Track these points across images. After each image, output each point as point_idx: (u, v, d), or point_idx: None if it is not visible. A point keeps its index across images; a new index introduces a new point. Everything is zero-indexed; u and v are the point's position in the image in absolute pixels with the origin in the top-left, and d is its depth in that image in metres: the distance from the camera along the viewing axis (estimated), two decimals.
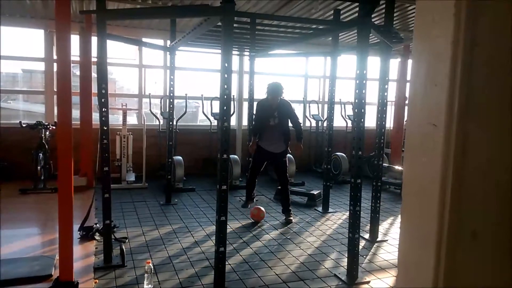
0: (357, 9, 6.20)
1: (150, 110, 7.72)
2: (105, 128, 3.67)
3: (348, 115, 8.92)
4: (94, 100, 6.67)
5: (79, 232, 4.42)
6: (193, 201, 6.15)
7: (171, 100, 5.82)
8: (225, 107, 3.08)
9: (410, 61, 8.60)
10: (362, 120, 3.49)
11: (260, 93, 7.46)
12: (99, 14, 3.44)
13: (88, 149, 6.72)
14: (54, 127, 6.61)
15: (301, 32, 4.66)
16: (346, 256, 4.07)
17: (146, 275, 3.33)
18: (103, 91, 3.60)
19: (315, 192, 6.21)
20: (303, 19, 4.57)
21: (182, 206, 5.82)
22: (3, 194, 6.02)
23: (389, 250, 4.34)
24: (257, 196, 6.45)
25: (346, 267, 3.80)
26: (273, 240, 4.54)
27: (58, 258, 3.70)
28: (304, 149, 8.66)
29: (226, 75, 3.05)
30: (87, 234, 4.42)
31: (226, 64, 3.02)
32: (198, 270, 3.68)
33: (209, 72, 8.61)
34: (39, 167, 6.26)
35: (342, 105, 8.90)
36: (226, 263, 3.80)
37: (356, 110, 3.50)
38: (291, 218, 5.24)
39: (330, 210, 5.79)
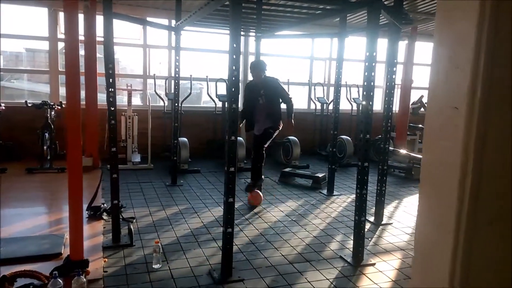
0: None
1: (155, 91, 7.69)
2: (112, 109, 3.66)
3: (353, 98, 8.86)
4: (99, 81, 6.65)
5: (87, 212, 4.46)
6: (198, 182, 6.19)
7: (177, 81, 5.79)
8: (233, 89, 3.06)
9: (417, 44, 8.50)
10: (371, 103, 3.46)
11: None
12: None
13: (94, 129, 6.73)
14: (59, 107, 6.62)
15: (309, 13, 4.58)
16: (352, 238, 4.13)
17: (154, 254, 3.37)
18: (110, 71, 3.58)
19: (320, 175, 6.22)
20: None
21: (188, 188, 5.86)
22: (10, 173, 6.07)
23: (394, 233, 4.37)
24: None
25: (351, 249, 3.85)
26: (279, 222, 4.58)
27: (67, 236, 3.77)
28: (308, 132, 8.73)
29: (234, 56, 3.02)
30: (94, 214, 4.46)
31: (235, 45, 2.98)
32: (205, 251, 3.72)
33: (214, 53, 8.54)
34: (45, 147, 6.28)
35: (348, 88, 8.84)
36: (233, 244, 3.86)
37: (364, 93, 3.47)
38: (259, 183, 5.34)
39: (335, 193, 5.82)
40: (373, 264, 3.58)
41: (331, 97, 8.94)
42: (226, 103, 7.77)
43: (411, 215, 5.01)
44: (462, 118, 0.95)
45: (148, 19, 7.13)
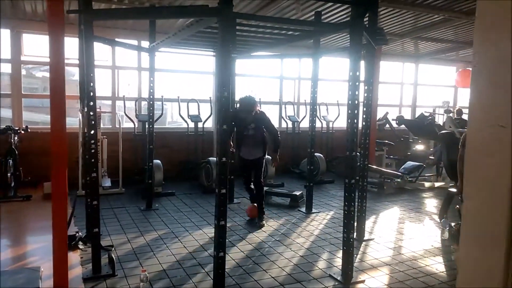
0: (337, 11, 6.39)
1: (125, 112, 7.50)
2: (93, 132, 3.52)
3: (323, 116, 9.05)
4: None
5: None
6: (174, 205, 6.02)
7: (151, 102, 5.68)
8: (223, 109, 3.03)
9: (382, 63, 8.85)
10: (356, 121, 3.53)
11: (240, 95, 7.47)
12: (86, 14, 3.29)
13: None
14: (24, 132, 6.29)
15: (287, 34, 4.66)
16: (338, 256, 4.15)
17: (141, 284, 3.22)
18: (91, 94, 3.45)
19: (298, 193, 6.24)
20: (293, 20, 4.58)
21: (164, 211, 5.68)
22: None
23: (377, 249, 4.42)
24: (239, 199, 6.42)
25: (339, 267, 3.85)
26: (263, 243, 4.52)
27: (42, 269, 3.54)
28: (281, 150, 8.75)
29: (224, 78, 2.99)
30: (69, 243, 4.19)
31: (225, 67, 2.97)
32: (192, 277, 3.60)
33: (183, 73, 8.48)
34: (8, 174, 5.91)
35: (318, 106, 8.99)
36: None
37: (349, 112, 3.54)
38: (263, 223, 5.16)
39: (313, 210, 5.84)
40: (363, 281, 3.60)
41: (301, 116, 9.11)
42: (198, 123, 7.74)
43: (391, 230, 5.11)
44: (510, 135, 0.97)
45: (117, 40, 6.98)
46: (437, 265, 3.99)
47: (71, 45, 6.26)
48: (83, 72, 4.09)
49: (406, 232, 5.06)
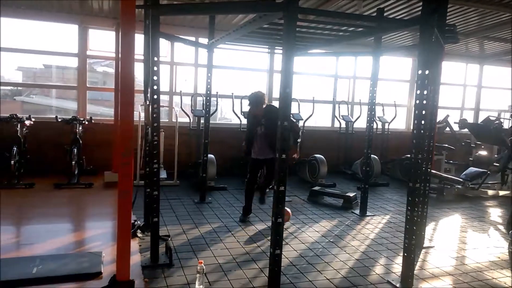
0: (399, 9, 6.15)
1: (182, 107, 7.67)
2: (156, 125, 3.61)
3: (378, 117, 8.76)
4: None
5: None
6: (226, 200, 6.09)
7: (208, 98, 5.76)
8: (286, 107, 2.99)
9: (444, 63, 8.41)
10: (423, 122, 3.36)
11: (295, 93, 7.41)
12: (154, 9, 3.38)
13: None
14: (88, 122, 6.62)
15: (347, 30, 4.55)
16: (396, 262, 4.00)
17: (198, 275, 3.25)
18: (156, 88, 3.55)
19: (351, 195, 6.08)
20: (359, 16, 4.43)
21: (217, 205, 5.76)
22: (38, 188, 6.04)
23: (438, 257, 4.20)
24: (291, 197, 6.37)
25: (397, 273, 3.71)
26: (316, 243, 4.44)
27: (104, 254, 3.69)
28: (333, 150, 8.61)
29: (287, 74, 2.95)
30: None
31: (289, 63, 2.92)
32: (246, 272, 3.60)
33: (238, 70, 8.55)
34: (73, 162, 6.25)
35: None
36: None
37: (416, 112, 3.37)
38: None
39: (368, 213, 5.66)
40: None
41: (355, 115, 8.88)
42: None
43: (452, 238, 4.84)
44: None
45: (180, 36, 7.16)
46: (505, 279, 3.72)
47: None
48: (147, 67, 4.23)
49: (469, 241, 4.77)
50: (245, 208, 5.21)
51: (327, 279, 3.55)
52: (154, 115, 3.58)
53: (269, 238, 4.43)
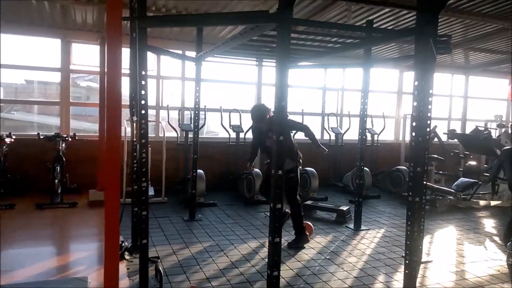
0: (388, 20, 6.15)
1: (169, 122, 7.50)
2: (144, 141, 3.44)
3: (367, 128, 8.70)
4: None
5: None
6: (217, 216, 5.90)
7: (196, 112, 5.62)
8: (281, 120, 2.87)
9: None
10: (423, 134, 3.27)
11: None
12: (140, 21, 3.24)
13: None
14: (71, 139, 6.39)
15: (338, 42, 4.47)
16: (395, 278, 3.88)
17: None
18: (143, 102, 3.39)
19: (344, 208, 5.96)
20: (353, 26, 4.38)
21: (207, 222, 5.57)
22: (19, 209, 5.76)
23: (437, 272, 4.09)
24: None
25: None
26: (313, 261, 4.28)
27: (90, 280, 3.47)
28: (323, 162, 8.51)
29: (282, 88, 2.84)
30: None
31: (282, 77, 2.82)
32: None
33: (225, 84, 8.45)
34: (56, 181, 5.99)
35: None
36: None
37: (414, 124, 3.28)
38: (301, 244, 4.72)
39: (362, 227, 5.54)
40: None
41: (344, 127, 8.83)
42: (240, 134, 7.64)
43: (449, 252, 4.74)
44: None
45: (168, 50, 7.04)
46: None
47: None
48: (134, 81, 4.07)
49: (466, 254, 4.68)
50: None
51: None
52: (142, 131, 3.41)
53: (264, 257, 4.33)
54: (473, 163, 8.25)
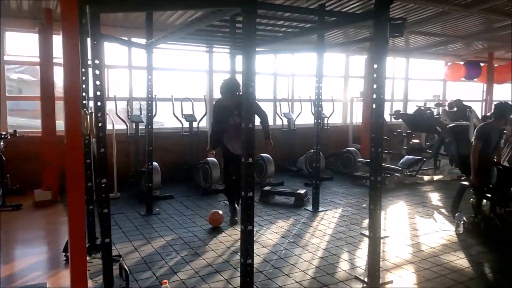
0: (338, 4, 6.24)
1: (117, 113, 7.16)
2: (102, 135, 3.25)
3: None
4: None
5: (63, 254, 3.92)
6: (175, 209, 5.77)
7: (150, 102, 5.40)
8: (249, 107, 2.83)
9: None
10: (382, 116, 3.39)
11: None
12: (92, 6, 3.02)
13: (52, 159, 6.06)
14: (10, 136, 5.90)
15: (298, 26, 4.48)
16: (357, 255, 4.05)
17: None
18: (99, 93, 3.18)
19: (302, 192, 6.07)
20: (317, 10, 4.35)
21: (166, 216, 5.42)
22: None
23: (395, 246, 4.30)
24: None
25: (361, 267, 3.75)
26: (278, 245, 4.33)
27: (49, 286, 3.26)
28: (276, 148, 8.57)
29: (249, 75, 2.80)
30: None
31: (249, 63, 2.77)
32: (213, 286, 3.38)
33: (175, 72, 8.21)
34: None
35: (312, 103, 8.87)
36: (239, 274, 3.56)
37: (374, 106, 3.39)
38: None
39: (320, 209, 5.69)
40: (391, 282, 3.47)
41: (296, 112, 8.95)
42: (193, 123, 7.49)
43: (403, 226, 5.01)
44: None
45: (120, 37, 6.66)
46: (460, 261, 3.90)
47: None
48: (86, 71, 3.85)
49: (419, 227, 4.97)
50: (232, 208, 5.13)
51: (297, 282, 3.46)
52: (100, 124, 3.21)
53: (229, 245, 4.31)
54: (416, 141, 8.72)
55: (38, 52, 5.94)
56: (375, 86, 3.33)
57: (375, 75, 3.32)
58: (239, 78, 5.76)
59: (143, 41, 5.58)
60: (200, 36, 5.14)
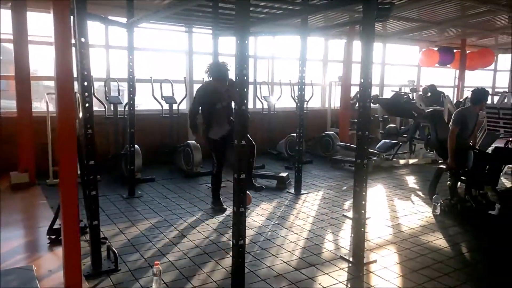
0: None
1: (94, 94, 6.95)
2: (88, 116, 3.17)
3: (297, 96, 8.94)
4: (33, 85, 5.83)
5: (47, 237, 3.85)
6: (157, 191, 5.73)
7: (131, 83, 5.29)
8: (244, 89, 2.82)
9: (355, 43, 8.85)
10: (369, 101, 3.45)
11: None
12: None
13: (28, 141, 5.87)
14: None
15: (287, 9, 4.44)
16: (341, 236, 4.17)
17: (154, 278, 2.99)
18: (85, 73, 3.10)
19: (284, 175, 6.15)
20: None
21: (149, 198, 5.39)
22: None
23: (376, 227, 4.44)
24: (224, 183, 6.22)
25: (345, 247, 3.87)
26: (264, 227, 4.40)
27: (35, 268, 3.21)
28: (257, 131, 8.62)
29: (242, 58, 2.79)
30: (57, 238, 3.85)
31: (242, 45, 2.76)
32: (202, 267, 3.41)
33: (153, 52, 8.04)
34: None
35: (292, 87, 8.92)
36: (228, 255, 3.61)
37: (362, 89, 3.44)
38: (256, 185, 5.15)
39: (302, 191, 5.79)
40: (375, 261, 3.59)
41: (274, 96, 8.97)
42: (173, 105, 7.38)
43: (382, 208, 5.17)
44: None
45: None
46: (438, 241, 4.07)
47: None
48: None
49: (398, 209, 5.14)
50: (215, 199, 5.04)
51: (284, 262, 3.54)
52: (87, 105, 3.13)
53: (215, 227, 4.34)
54: (392, 125, 8.95)
55: (11, 29, 5.67)
56: (362, 72, 3.38)
57: (365, 60, 3.36)
58: (222, 60, 5.82)
59: (121, 19, 5.44)
60: (182, 16, 5.05)
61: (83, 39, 3.09)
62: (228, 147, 4.85)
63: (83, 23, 3.07)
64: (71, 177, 2.57)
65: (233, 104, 5.06)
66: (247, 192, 4.92)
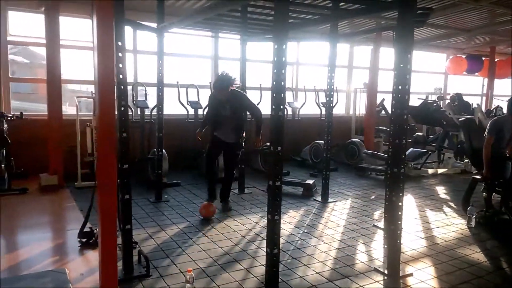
0: None
1: None
2: (124, 119, 3.17)
3: (322, 103, 8.86)
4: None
5: (78, 240, 3.86)
6: (184, 196, 5.73)
7: (160, 88, 5.31)
8: (280, 95, 2.78)
9: (382, 49, 8.73)
10: (406, 108, 3.35)
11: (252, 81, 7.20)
12: None
13: (58, 144, 5.95)
14: (15, 119, 5.78)
15: (317, 13, 4.40)
16: (372, 247, 4.06)
17: (187, 285, 2.96)
18: (121, 76, 3.11)
19: (311, 182, 6.07)
20: None
21: (176, 203, 5.38)
22: None
23: (409, 239, 4.31)
24: (249, 189, 6.19)
25: (379, 259, 3.75)
26: (292, 235, 4.32)
27: (68, 271, 3.22)
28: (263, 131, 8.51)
29: (280, 60, 2.74)
30: (88, 241, 3.87)
31: (282, 49, 2.71)
32: (233, 274, 3.36)
33: (179, 58, 8.09)
34: (2, 166, 5.42)
35: (316, 93, 8.84)
36: (258, 263, 3.55)
37: (399, 96, 3.33)
38: (230, 206, 5.20)
39: (329, 199, 5.69)
40: (411, 274, 3.47)
41: (299, 102, 8.90)
42: (198, 110, 7.39)
43: (414, 219, 5.03)
44: None
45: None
46: (476, 255, 3.92)
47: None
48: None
49: (430, 220, 4.99)
50: (210, 191, 5.26)
51: (317, 272, 3.45)
52: (122, 109, 3.14)
53: (244, 234, 4.29)
54: (420, 134, 8.76)
55: (44, 33, 5.78)
56: (395, 80, 3.29)
57: (401, 66, 3.26)
58: (248, 65, 5.83)
59: (150, 24, 5.50)
60: (211, 21, 5.04)
61: (120, 43, 3.10)
62: (224, 153, 5.22)
63: (120, 27, 3.08)
64: (110, 180, 2.56)
65: (248, 114, 5.37)
66: (211, 203, 4.94)
